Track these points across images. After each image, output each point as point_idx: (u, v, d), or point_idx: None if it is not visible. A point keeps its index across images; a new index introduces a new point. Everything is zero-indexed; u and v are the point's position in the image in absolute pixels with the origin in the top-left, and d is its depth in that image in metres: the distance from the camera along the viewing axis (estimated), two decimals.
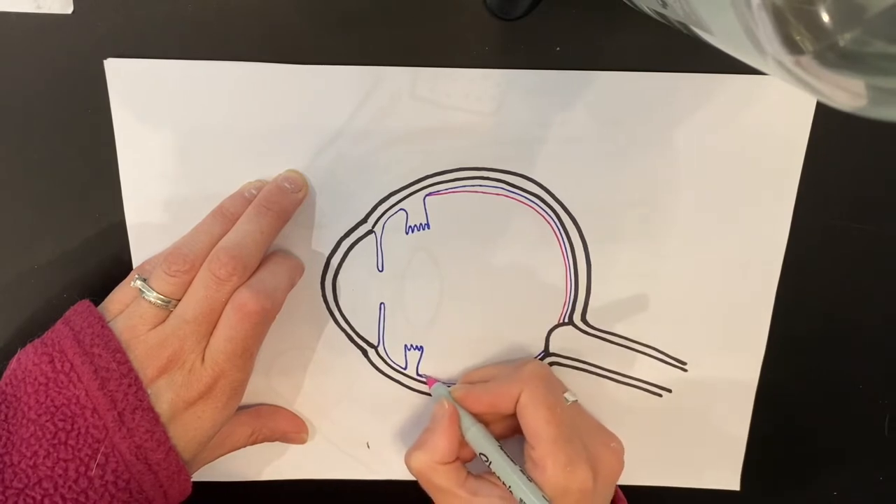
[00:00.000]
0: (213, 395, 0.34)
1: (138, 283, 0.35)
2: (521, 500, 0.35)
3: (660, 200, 0.39)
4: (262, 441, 0.41)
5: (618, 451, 0.38)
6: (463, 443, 0.38)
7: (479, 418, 0.38)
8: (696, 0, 0.21)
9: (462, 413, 0.38)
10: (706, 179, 0.38)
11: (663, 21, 0.27)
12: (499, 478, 0.36)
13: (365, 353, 0.41)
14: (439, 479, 0.37)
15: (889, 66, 0.17)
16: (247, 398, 0.37)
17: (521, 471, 0.36)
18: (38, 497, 0.31)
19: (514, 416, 0.38)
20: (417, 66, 0.36)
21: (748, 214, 0.39)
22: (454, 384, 0.40)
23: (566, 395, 0.38)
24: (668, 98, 0.37)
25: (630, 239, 0.39)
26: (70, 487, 0.31)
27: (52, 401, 0.32)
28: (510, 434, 0.39)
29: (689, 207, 0.39)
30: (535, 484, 0.35)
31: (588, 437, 0.37)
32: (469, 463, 0.38)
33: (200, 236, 0.35)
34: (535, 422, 0.36)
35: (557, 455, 0.35)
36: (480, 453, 0.37)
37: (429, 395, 0.42)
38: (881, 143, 0.38)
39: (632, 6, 0.30)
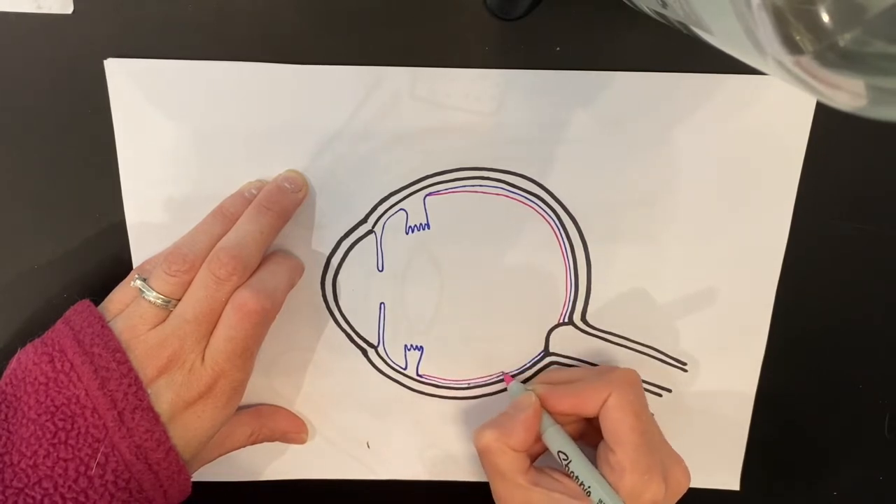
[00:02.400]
0: (213, 394, 0.34)
1: (138, 282, 0.35)
2: (599, 501, 0.35)
3: (660, 200, 0.39)
4: (262, 441, 0.41)
5: (686, 470, 0.38)
6: (534, 441, 0.37)
7: (554, 419, 0.38)
8: (696, 0, 0.21)
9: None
10: (706, 179, 0.38)
11: (663, 21, 0.27)
12: (576, 477, 0.36)
13: (365, 353, 0.41)
14: (504, 461, 0.36)
15: (889, 66, 0.17)
16: (247, 398, 0.37)
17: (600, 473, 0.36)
18: (38, 497, 0.31)
19: (586, 420, 0.38)
20: (417, 66, 0.36)
21: (748, 214, 0.39)
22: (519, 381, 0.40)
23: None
24: (668, 98, 0.37)
25: (630, 239, 0.39)
26: (70, 487, 0.31)
27: (52, 400, 0.32)
28: (576, 439, 0.39)
29: (688, 207, 0.39)
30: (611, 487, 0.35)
31: (662, 450, 0.37)
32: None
33: (200, 236, 0.35)
34: (621, 426, 0.36)
35: (638, 462, 0.35)
36: (559, 451, 0.37)
37: (428, 395, 0.42)
38: (881, 143, 0.38)
39: (632, 6, 0.30)
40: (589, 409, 0.37)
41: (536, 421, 0.37)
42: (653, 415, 0.39)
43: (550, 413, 0.38)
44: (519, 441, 0.36)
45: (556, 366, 0.42)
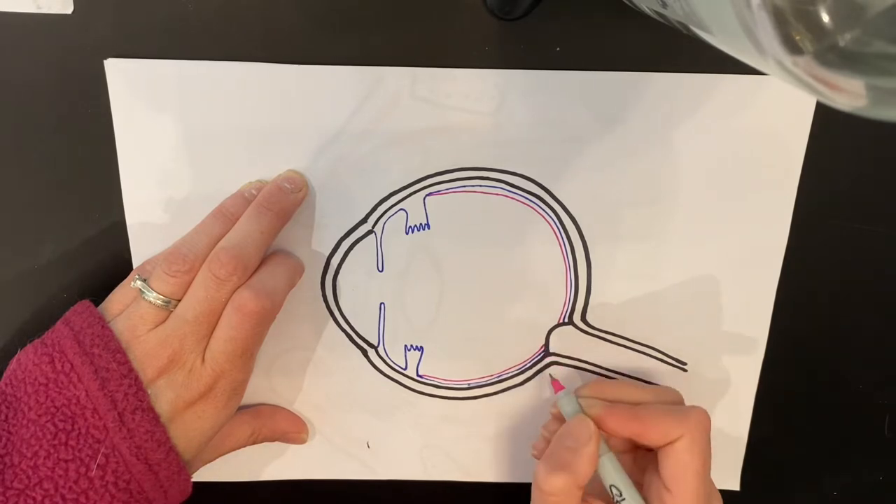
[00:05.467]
0: (213, 395, 0.34)
1: (138, 283, 0.35)
2: None
3: (660, 200, 0.39)
4: (262, 441, 0.41)
5: None
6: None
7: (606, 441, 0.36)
8: (696, 0, 0.21)
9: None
10: (706, 179, 0.38)
11: (663, 21, 0.27)
12: None
13: (365, 353, 0.41)
14: (568, 502, 0.34)
15: (889, 66, 0.17)
16: (247, 398, 0.37)
17: None
18: (39, 497, 0.31)
19: (632, 444, 0.37)
20: (417, 66, 0.36)
21: (748, 214, 0.39)
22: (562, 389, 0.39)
23: None
24: (668, 98, 0.37)
25: (630, 239, 0.39)
26: (70, 488, 0.31)
27: (52, 401, 0.32)
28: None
29: (688, 207, 0.39)
30: None
31: (713, 494, 0.36)
32: None
33: (200, 236, 0.35)
34: (688, 470, 0.34)
35: None
36: (611, 485, 0.35)
37: (428, 395, 0.42)
38: (881, 143, 0.38)
39: (632, 6, 0.30)
40: (652, 441, 0.35)
41: (597, 451, 0.35)
42: None
43: (603, 433, 0.36)
44: (585, 477, 0.34)
45: (602, 378, 0.41)
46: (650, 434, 0.35)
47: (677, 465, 0.34)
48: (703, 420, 0.35)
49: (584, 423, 0.35)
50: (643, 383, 0.41)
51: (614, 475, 0.35)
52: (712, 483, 0.37)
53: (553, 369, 0.41)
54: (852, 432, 0.44)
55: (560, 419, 0.37)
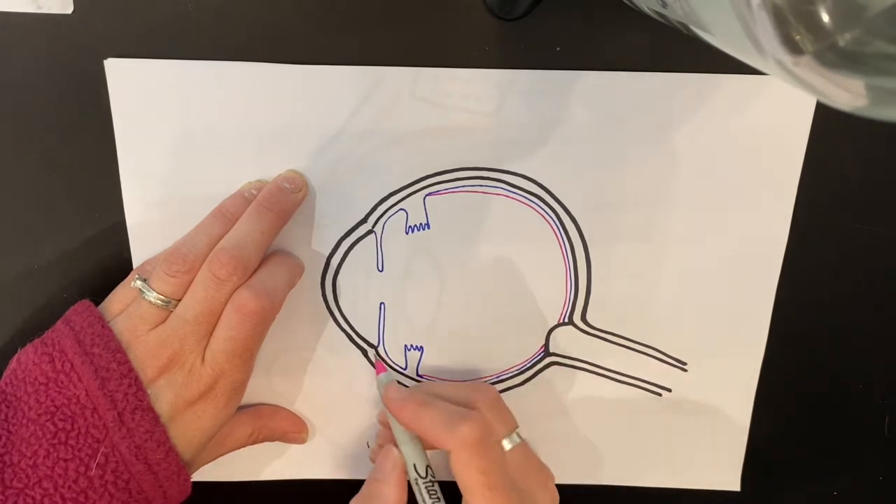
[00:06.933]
0: (213, 395, 0.34)
1: (138, 283, 0.35)
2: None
3: (660, 200, 0.39)
4: (262, 441, 0.41)
5: (553, 490, 0.36)
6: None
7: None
8: (696, 0, 0.21)
9: (394, 424, 0.36)
10: (706, 179, 0.38)
11: (663, 21, 0.27)
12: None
13: (365, 353, 0.41)
14: None
15: (889, 66, 0.17)
16: (247, 398, 0.37)
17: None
18: (38, 497, 0.31)
19: None
20: (418, 65, 0.36)
21: (748, 214, 0.39)
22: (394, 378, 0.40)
23: (510, 438, 0.36)
24: (668, 98, 0.37)
25: (630, 238, 0.39)
26: (70, 487, 0.31)
27: (52, 401, 0.32)
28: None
29: (688, 207, 0.39)
30: None
31: (526, 481, 0.35)
32: None
33: (200, 236, 0.35)
34: (466, 481, 0.33)
35: None
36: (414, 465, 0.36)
37: None
38: (881, 143, 0.38)
39: (632, 6, 0.30)
40: (430, 445, 0.36)
41: (404, 477, 0.35)
42: (521, 442, 0.36)
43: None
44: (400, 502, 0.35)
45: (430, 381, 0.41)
46: (426, 438, 0.35)
47: (458, 476, 0.33)
48: (470, 436, 0.33)
49: (388, 455, 0.36)
50: (460, 383, 0.40)
51: (413, 457, 0.36)
52: (521, 479, 0.35)
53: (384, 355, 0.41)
54: (852, 432, 0.44)
55: (386, 424, 0.38)
